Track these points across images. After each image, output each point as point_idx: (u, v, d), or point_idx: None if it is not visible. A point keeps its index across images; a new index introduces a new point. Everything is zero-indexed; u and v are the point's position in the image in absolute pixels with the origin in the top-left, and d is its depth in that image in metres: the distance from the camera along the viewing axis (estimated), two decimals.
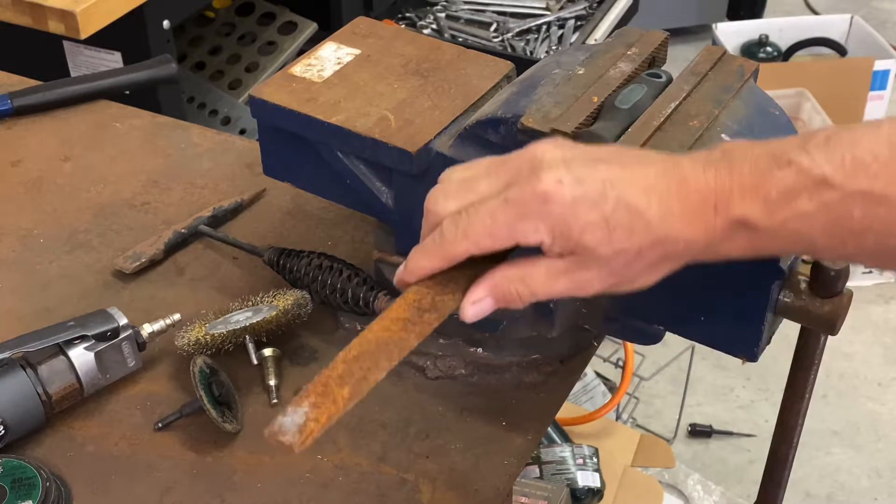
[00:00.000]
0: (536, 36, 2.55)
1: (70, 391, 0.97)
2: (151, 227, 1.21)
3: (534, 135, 0.84)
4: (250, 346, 1.02)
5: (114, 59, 1.79)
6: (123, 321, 0.99)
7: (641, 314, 0.93)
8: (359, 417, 0.99)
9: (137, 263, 1.14)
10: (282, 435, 0.64)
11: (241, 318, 1.03)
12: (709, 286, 0.86)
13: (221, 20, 2.40)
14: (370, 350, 0.69)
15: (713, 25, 3.42)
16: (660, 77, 0.91)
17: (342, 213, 1.19)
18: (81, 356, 0.97)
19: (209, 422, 0.95)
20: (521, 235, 0.71)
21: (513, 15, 2.62)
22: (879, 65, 3.13)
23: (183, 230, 1.18)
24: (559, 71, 0.93)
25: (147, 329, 1.02)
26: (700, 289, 0.87)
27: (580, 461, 1.85)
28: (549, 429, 1.91)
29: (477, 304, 0.73)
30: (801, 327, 0.90)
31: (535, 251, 0.72)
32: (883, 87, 3.16)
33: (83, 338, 0.97)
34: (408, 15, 2.61)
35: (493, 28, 2.57)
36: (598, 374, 2.32)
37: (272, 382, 1.01)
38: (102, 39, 1.69)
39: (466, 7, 2.65)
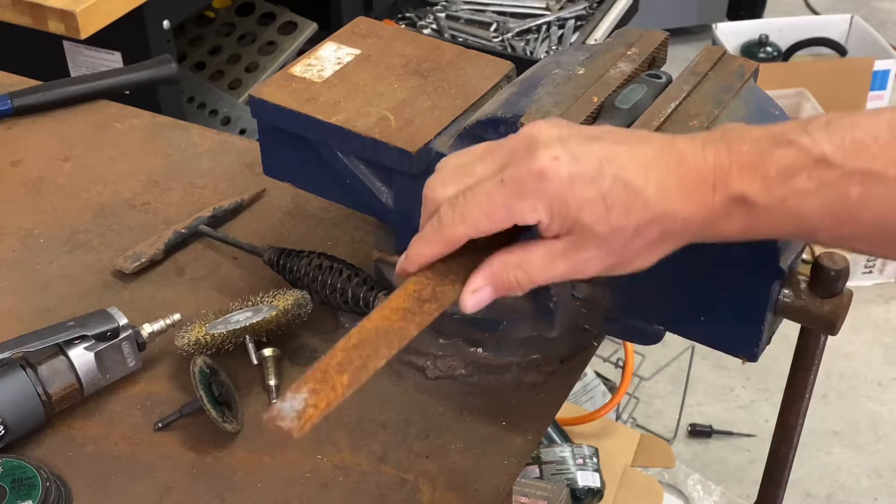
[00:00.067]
0: (536, 36, 2.55)
1: (70, 391, 0.97)
2: (151, 227, 1.21)
3: None
4: (250, 346, 1.02)
5: (114, 59, 1.79)
6: (123, 321, 0.99)
7: (641, 314, 0.93)
8: (359, 417, 0.99)
9: (137, 263, 1.14)
10: (280, 420, 0.64)
11: (241, 318, 1.03)
12: (709, 286, 0.86)
13: (221, 20, 2.40)
14: (370, 338, 0.69)
15: (713, 25, 3.42)
16: (660, 77, 0.91)
17: (342, 213, 1.19)
18: (81, 356, 0.97)
19: (209, 422, 0.95)
20: (518, 215, 0.70)
21: (513, 15, 2.62)
22: (879, 65, 3.13)
23: (183, 230, 1.18)
24: (559, 71, 0.93)
25: (147, 329, 1.02)
26: (700, 288, 0.87)
27: (580, 461, 1.85)
28: (549, 429, 1.91)
29: (476, 293, 0.73)
30: (801, 327, 0.90)
31: (535, 236, 0.72)
32: (883, 87, 3.16)
33: (83, 338, 0.97)
34: (408, 15, 2.61)
35: (493, 28, 2.57)
36: (598, 374, 2.32)
37: (272, 382, 1.01)
38: (102, 39, 1.69)
39: (466, 7, 2.65)
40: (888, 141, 0.66)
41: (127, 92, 1.45)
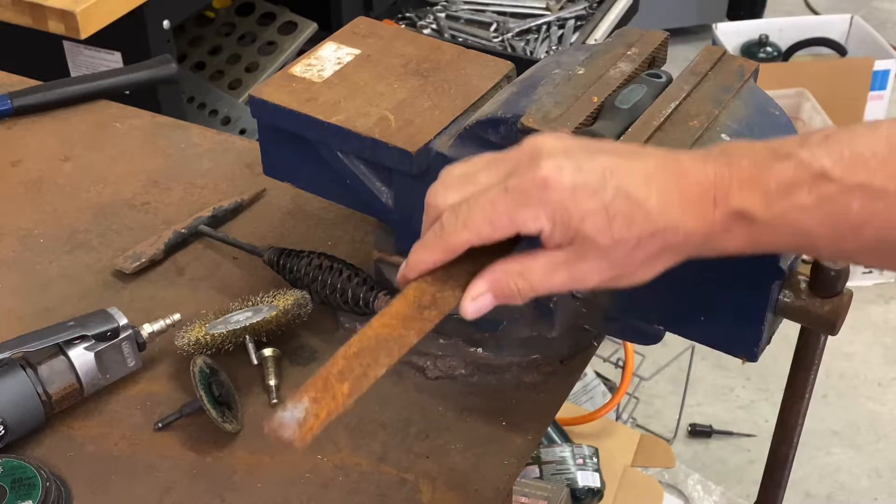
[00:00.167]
0: (536, 36, 2.55)
1: (70, 391, 0.97)
2: (151, 227, 1.21)
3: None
4: (250, 346, 1.02)
5: (114, 59, 1.79)
6: (123, 321, 0.99)
7: (641, 314, 0.93)
8: (359, 417, 0.99)
9: (137, 263, 1.14)
10: (282, 430, 0.64)
11: (241, 318, 1.03)
12: (709, 286, 0.86)
13: (221, 20, 2.40)
14: (370, 346, 0.69)
15: (713, 25, 3.42)
16: (660, 77, 0.91)
17: (342, 213, 1.19)
18: (81, 356, 0.97)
19: (209, 422, 0.95)
20: (521, 223, 0.70)
21: (513, 15, 2.62)
22: (879, 65, 3.13)
23: (183, 230, 1.18)
24: (559, 71, 0.93)
25: (147, 329, 1.02)
26: (700, 288, 0.87)
27: (580, 461, 1.85)
28: (549, 429, 1.91)
29: (477, 299, 0.73)
30: (801, 327, 0.90)
31: (536, 246, 0.72)
32: (883, 87, 3.16)
33: (83, 338, 0.97)
34: (408, 15, 2.61)
35: (493, 28, 2.57)
36: (598, 374, 2.32)
37: (272, 382, 1.01)
38: (102, 39, 1.69)
39: (466, 7, 2.65)
40: (886, 156, 0.67)
41: (127, 92, 1.45)
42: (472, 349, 1.02)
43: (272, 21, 2.38)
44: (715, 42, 3.29)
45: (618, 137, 0.85)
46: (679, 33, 3.59)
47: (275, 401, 1.00)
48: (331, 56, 1.04)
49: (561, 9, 2.62)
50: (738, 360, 0.91)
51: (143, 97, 1.59)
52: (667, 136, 0.85)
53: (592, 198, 0.69)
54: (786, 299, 0.85)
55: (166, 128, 1.39)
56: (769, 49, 3.37)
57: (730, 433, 2.45)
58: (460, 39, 2.52)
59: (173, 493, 0.93)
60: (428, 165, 0.94)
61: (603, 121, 0.87)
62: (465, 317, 0.73)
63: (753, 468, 2.36)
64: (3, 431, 0.93)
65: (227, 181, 1.28)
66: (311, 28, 2.35)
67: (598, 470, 1.86)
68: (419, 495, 0.93)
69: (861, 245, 0.69)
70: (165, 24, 1.80)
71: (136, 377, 1.02)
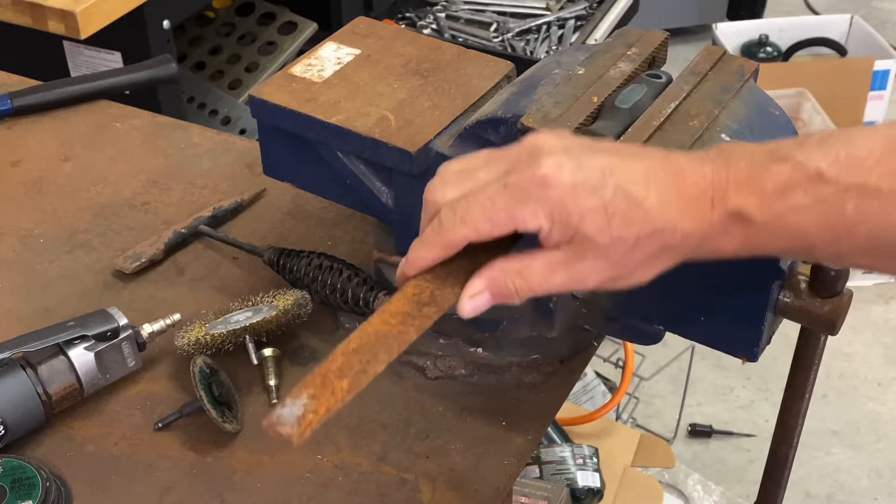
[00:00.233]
0: (536, 36, 2.55)
1: (70, 391, 0.97)
2: (151, 227, 1.21)
3: None
4: (250, 346, 1.02)
5: (114, 59, 1.79)
6: (123, 321, 0.99)
7: (641, 314, 0.93)
8: (359, 417, 0.99)
9: (137, 263, 1.14)
10: (280, 426, 0.64)
11: (241, 318, 1.03)
12: (709, 286, 0.86)
13: (221, 20, 2.40)
14: (369, 343, 0.69)
15: (713, 25, 3.42)
16: (660, 77, 0.91)
17: (342, 213, 1.19)
18: (81, 356, 0.97)
19: (209, 422, 0.95)
20: (520, 221, 0.70)
21: (513, 15, 2.62)
22: (879, 65, 3.13)
23: (183, 230, 1.18)
24: (559, 71, 0.93)
25: (147, 329, 1.02)
26: (700, 289, 0.87)
27: (580, 461, 1.85)
28: (549, 429, 1.91)
29: (475, 297, 0.73)
30: (801, 327, 0.90)
31: (535, 246, 0.72)
32: (883, 87, 3.16)
33: (83, 338, 0.97)
34: (408, 15, 2.61)
35: (493, 28, 2.57)
36: (598, 374, 2.32)
37: (272, 382, 1.01)
38: (102, 39, 1.69)
39: (466, 7, 2.65)
40: (881, 155, 0.67)
41: (127, 92, 1.45)
42: (472, 349, 1.02)
43: (272, 21, 2.38)
44: (715, 42, 3.29)
45: (618, 137, 0.85)
46: (679, 33, 3.58)
47: (275, 401, 1.00)
48: (331, 56, 1.05)
49: (561, 9, 2.62)
50: (738, 360, 0.91)
51: (143, 97, 1.59)
52: (667, 136, 0.85)
53: (592, 196, 0.69)
54: (786, 299, 0.85)
55: (166, 128, 1.39)
56: (769, 49, 3.37)
57: (730, 433, 2.45)
58: (460, 39, 2.52)
59: (173, 493, 0.93)
60: (428, 165, 0.94)
61: (603, 121, 0.87)
62: (462, 315, 0.73)
63: (753, 468, 2.36)
64: (3, 431, 0.93)
65: (227, 181, 1.28)
66: (311, 28, 2.35)
67: (598, 470, 1.86)
68: (419, 495, 0.93)
69: (855, 246, 0.69)
70: (165, 24, 1.80)
71: (136, 377, 1.02)
